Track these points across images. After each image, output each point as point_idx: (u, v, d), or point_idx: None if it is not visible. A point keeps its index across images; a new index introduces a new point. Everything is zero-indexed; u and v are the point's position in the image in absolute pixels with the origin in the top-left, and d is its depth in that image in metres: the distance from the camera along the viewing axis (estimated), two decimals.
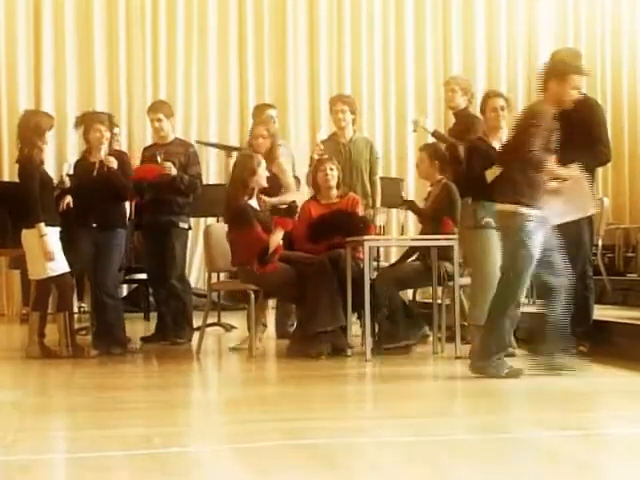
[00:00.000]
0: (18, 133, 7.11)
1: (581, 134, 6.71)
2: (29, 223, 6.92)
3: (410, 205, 7.41)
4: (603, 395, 5.44)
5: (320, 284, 6.88)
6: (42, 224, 6.87)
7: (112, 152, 7.35)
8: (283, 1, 12.32)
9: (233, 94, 12.21)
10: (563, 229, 6.75)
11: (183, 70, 12.08)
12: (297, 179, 8.52)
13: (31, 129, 7.01)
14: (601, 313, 7.32)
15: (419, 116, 8.23)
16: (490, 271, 6.61)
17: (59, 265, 6.96)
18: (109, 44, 11.91)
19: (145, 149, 8.55)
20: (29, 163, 6.98)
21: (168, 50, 12.07)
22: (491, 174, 6.45)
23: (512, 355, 6.82)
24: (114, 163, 7.20)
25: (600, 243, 8.88)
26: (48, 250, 6.87)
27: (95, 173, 7.20)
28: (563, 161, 6.69)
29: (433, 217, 7.23)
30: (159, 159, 7.83)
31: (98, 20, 11.84)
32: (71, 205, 7.26)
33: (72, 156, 10.69)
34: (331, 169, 7.43)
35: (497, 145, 6.85)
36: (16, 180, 7.28)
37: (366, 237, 6.88)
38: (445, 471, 3.52)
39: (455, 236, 6.95)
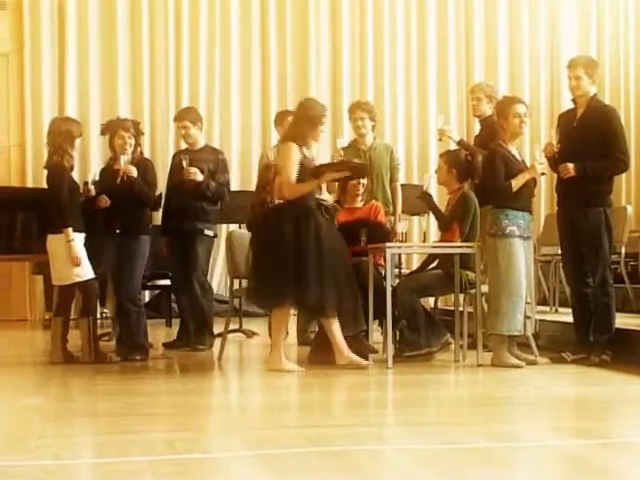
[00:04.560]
0: (49, 140, 7.16)
1: (599, 143, 6.71)
2: (56, 228, 6.96)
3: (426, 198, 7.34)
4: (625, 403, 5.41)
5: None
6: (70, 229, 6.91)
7: (137, 159, 7.39)
8: (305, 7, 12.34)
9: (255, 100, 12.24)
10: (581, 236, 6.76)
11: (205, 76, 12.13)
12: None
13: (63, 136, 7.05)
14: (624, 321, 7.30)
15: (444, 125, 8.20)
16: (512, 279, 6.61)
17: (85, 271, 6.99)
18: (132, 51, 11.96)
19: (175, 154, 8.62)
20: (59, 169, 7.03)
21: (190, 56, 12.12)
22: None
23: (534, 363, 6.83)
24: (134, 172, 7.23)
25: (623, 251, 8.85)
26: (75, 256, 6.91)
27: (119, 180, 7.24)
28: (580, 170, 6.71)
29: (448, 226, 7.22)
30: (185, 164, 7.87)
31: (121, 27, 11.89)
32: (107, 203, 7.27)
33: (95, 163, 10.77)
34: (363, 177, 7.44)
35: (516, 152, 6.87)
36: (39, 186, 7.32)
37: (388, 244, 6.87)
38: (466, 479, 3.51)
39: (477, 243, 6.95)
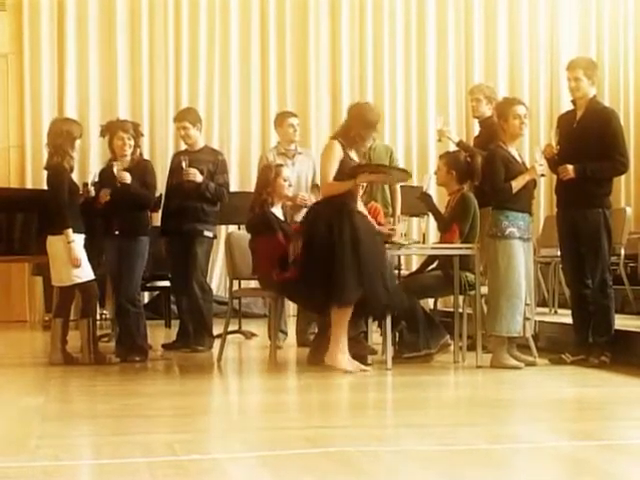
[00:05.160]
0: (49, 141, 7.16)
1: (598, 144, 6.71)
2: (56, 229, 6.96)
3: (425, 199, 7.34)
4: (624, 405, 5.41)
5: None
6: (70, 230, 6.90)
7: (136, 160, 7.39)
8: (305, 8, 12.35)
9: (255, 102, 12.25)
10: (581, 237, 6.77)
11: (205, 77, 12.14)
12: (317, 187, 8.53)
13: (63, 137, 7.05)
14: (623, 323, 7.30)
15: (444, 126, 8.20)
16: (512, 281, 6.61)
17: (85, 272, 6.99)
18: (132, 52, 11.97)
19: (174, 155, 8.61)
20: (60, 170, 7.03)
21: (190, 57, 12.12)
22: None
23: (534, 364, 6.83)
24: (127, 179, 7.23)
25: (622, 252, 8.85)
26: (75, 257, 6.91)
27: (118, 182, 7.24)
28: (580, 171, 6.72)
29: (447, 227, 7.22)
30: (184, 165, 7.88)
31: (121, 29, 11.90)
32: (108, 197, 7.27)
33: (94, 164, 10.77)
34: None
35: (515, 153, 6.87)
36: (38, 187, 7.32)
37: (387, 245, 6.87)
38: None
39: (476, 245, 6.95)
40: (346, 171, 6.55)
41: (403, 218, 7.61)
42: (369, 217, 6.93)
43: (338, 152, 6.59)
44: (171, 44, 12.09)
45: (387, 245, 6.79)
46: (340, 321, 6.52)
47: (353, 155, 6.68)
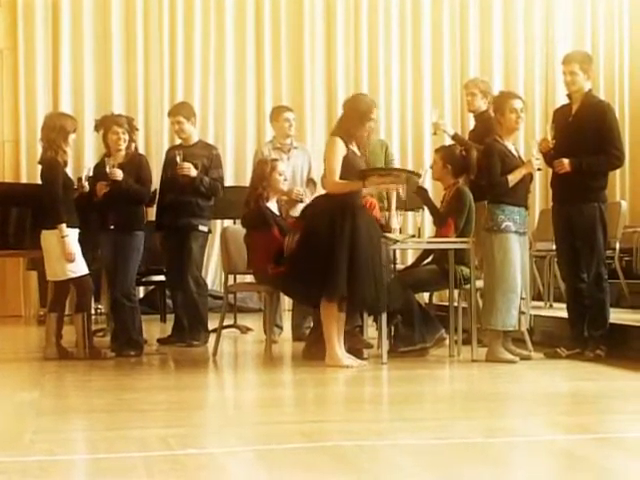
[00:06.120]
0: (42, 135, 7.14)
1: (594, 138, 6.72)
2: (51, 224, 6.94)
3: (421, 193, 7.33)
4: (620, 398, 5.41)
5: None
6: (64, 225, 6.89)
7: (131, 155, 7.38)
8: (300, 3, 12.34)
9: (250, 96, 12.23)
10: (576, 231, 6.77)
11: (200, 72, 12.12)
12: (313, 182, 8.53)
13: (57, 131, 7.03)
14: (618, 317, 7.30)
15: (439, 119, 8.19)
16: (508, 275, 6.61)
17: (79, 267, 6.98)
18: (126, 47, 11.95)
19: (169, 150, 8.59)
20: (53, 164, 7.01)
21: (185, 52, 12.11)
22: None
23: (529, 358, 6.83)
24: (119, 176, 7.22)
25: (617, 246, 8.85)
26: (69, 251, 6.90)
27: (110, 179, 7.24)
28: (576, 165, 6.72)
29: (443, 221, 7.21)
30: (178, 159, 7.86)
31: (116, 23, 11.88)
32: (105, 189, 7.25)
33: (89, 159, 10.76)
34: None
35: (512, 147, 6.87)
36: (33, 182, 7.30)
37: (383, 240, 6.86)
38: (462, 474, 3.51)
39: (472, 239, 6.95)
40: (354, 172, 6.50)
41: (399, 212, 7.60)
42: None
43: (341, 148, 6.55)
44: (166, 39, 12.06)
45: (383, 240, 6.78)
46: (328, 316, 6.52)
47: (356, 150, 6.65)
